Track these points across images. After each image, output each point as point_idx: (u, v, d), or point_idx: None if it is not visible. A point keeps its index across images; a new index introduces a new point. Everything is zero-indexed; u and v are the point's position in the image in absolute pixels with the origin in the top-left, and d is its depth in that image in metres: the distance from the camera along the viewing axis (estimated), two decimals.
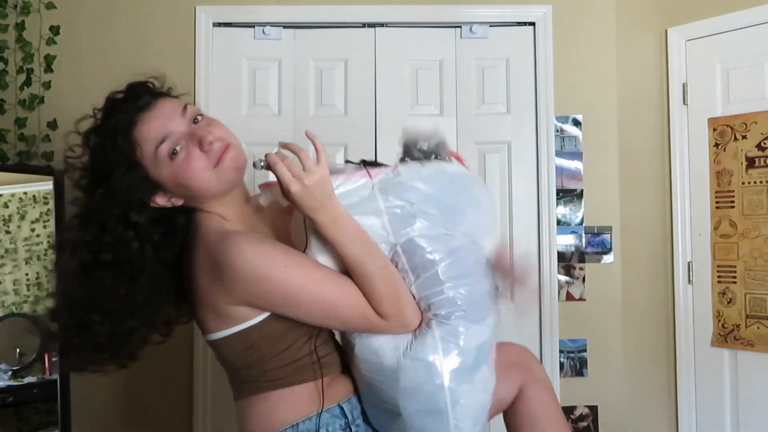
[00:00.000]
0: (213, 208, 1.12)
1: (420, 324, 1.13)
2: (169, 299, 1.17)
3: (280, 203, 1.13)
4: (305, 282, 1.06)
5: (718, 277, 2.41)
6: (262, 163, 1.04)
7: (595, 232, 2.55)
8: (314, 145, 1.04)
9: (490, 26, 2.56)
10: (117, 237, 1.05)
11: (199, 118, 1.10)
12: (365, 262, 1.07)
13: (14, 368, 2.29)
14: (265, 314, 1.09)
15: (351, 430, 1.14)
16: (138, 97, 1.08)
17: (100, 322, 1.06)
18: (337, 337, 1.26)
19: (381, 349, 1.12)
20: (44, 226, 2.32)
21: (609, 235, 2.55)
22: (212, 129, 1.08)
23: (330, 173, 1.06)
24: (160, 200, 1.10)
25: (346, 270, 1.10)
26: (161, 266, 1.11)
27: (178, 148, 1.06)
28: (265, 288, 1.04)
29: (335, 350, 1.23)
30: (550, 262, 2.50)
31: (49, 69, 2.45)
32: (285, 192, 1.03)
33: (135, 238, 1.06)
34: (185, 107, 1.10)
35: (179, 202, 1.11)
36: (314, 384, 1.14)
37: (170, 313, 1.19)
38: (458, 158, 1.24)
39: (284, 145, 1.05)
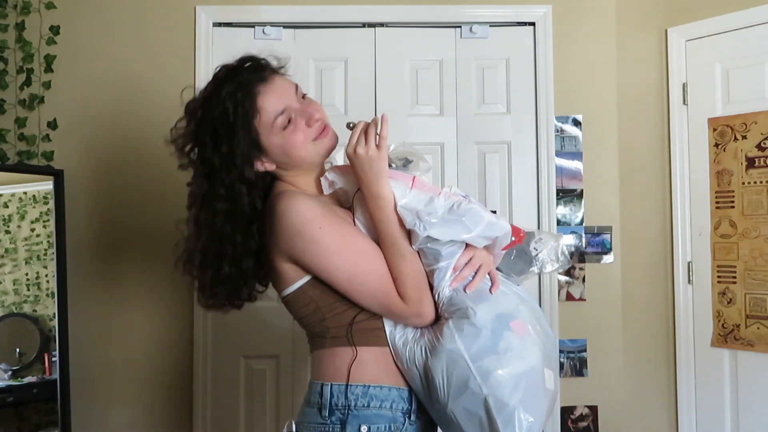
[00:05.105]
0: (292, 178, 1.25)
1: (437, 324, 1.18)
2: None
3: (338, 193, 1.25)
4: (338, 247, 1.16)
5: (718, 277, 2.41)
6: (351, 125, 1.19)
7: (595, 232, 2.55)
8: (380, 132, 1.15)
9: (490, 26, 2.56)
10: (232, 190, 1.18)
11: (305, 97, 1.25)
12: (398, 243, 1.16)
13: (14, 368, 2.29)
14: (309, 276, 1.19)
15: (410, 418, 1.20)
16: (260, 69, 1.22)
17: (227, 264, 1.20)
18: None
19: (411, 355, 1.17)
20: (44, 226, 2.32)
21: (609, 235, 2.55)
22: (317, 108, 1.23)
23: (400, 156, 1.22)
24: (259, 164, 1.22)
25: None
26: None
27: (290, 120, 1.19)
28: (301, 245, 1.15)
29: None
30: None
31: (49, 69, 2.44)
32: (349, 151, 1.16)
33: (247, 192, 1.19)
34: (296, 86, 1.24)
35: (272, 167, 1.23)
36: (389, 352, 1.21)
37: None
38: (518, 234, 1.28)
39: (374, 118, 1.18)
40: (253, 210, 1.20)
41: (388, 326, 1.21)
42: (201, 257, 1.21)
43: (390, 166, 1.21)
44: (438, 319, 1.19)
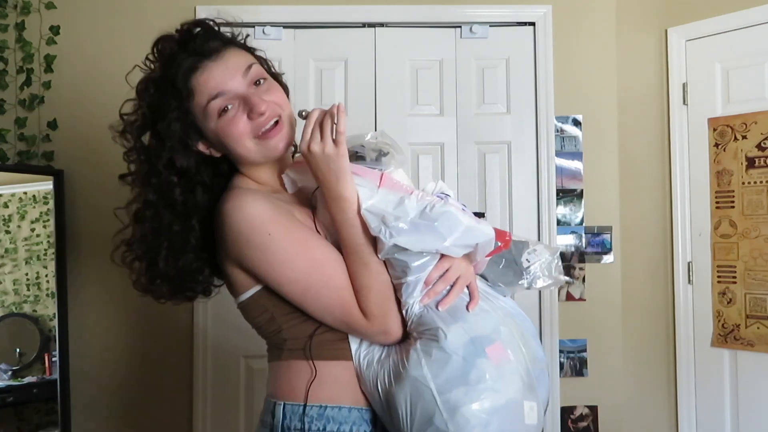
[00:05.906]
0: (250, 172, 1.11)
1: (405, 344, 1.05)
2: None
3: (302, 191, 1.10)
4: (290, 255, 1.01)
5: (718, 277, 2.41)
6: (304, 114, 1.02)
7: (595, 232, 2.55)
8: (338, 126, 0.98)
9: (490, 26, 2.56)
10: (162, 180, 1.05)
11: (262, 81, 1.08)
12: (361, 251, 1.01)
13: (14, 368, 2.29)
14: (262, 284, 1.07)
15: None
16: (208, 41, 1.07)
17: (163, 257, 1.06)
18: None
19: (374, 378, 1.05)
20: (44, 226, 2.32)
21: (609, 235, 2.55)
22: (268, 98, 1.06)
23: (374, 148, 1.07)
24: (202, 148, 1.09)
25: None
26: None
27: (228, 107, 1.04)
28: (249, 253, 1.02)
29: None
30: None
31: (49, 69, 2.44)
32: (303, 148, 1.00)
33: (178, 183, 1.06)
34: (250, 66, 1.07)
35: (217, 155, 1.10)
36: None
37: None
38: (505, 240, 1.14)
39: (330, 109, 1.00)
40: (191, 203, 1.06)
41: (353, 343, 1.07)
42: (138, 247, 1.09)
43: (362, 158, 1.07)
44: (408, 336, 1.04)
